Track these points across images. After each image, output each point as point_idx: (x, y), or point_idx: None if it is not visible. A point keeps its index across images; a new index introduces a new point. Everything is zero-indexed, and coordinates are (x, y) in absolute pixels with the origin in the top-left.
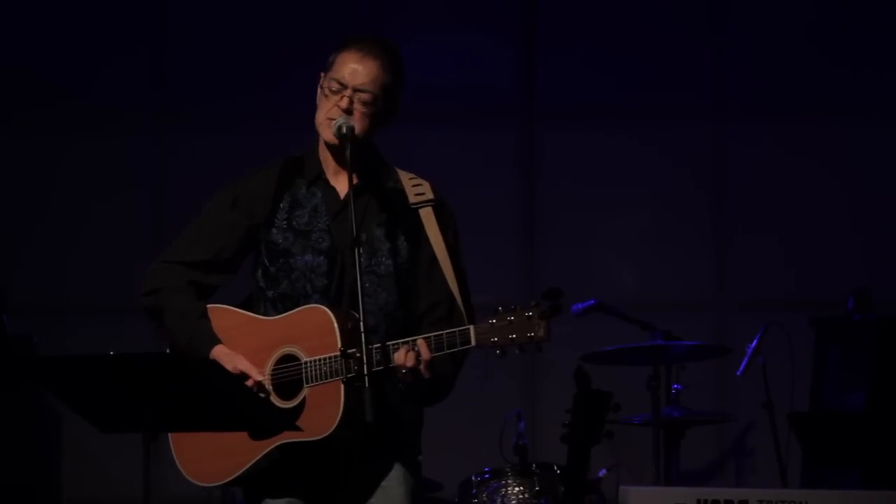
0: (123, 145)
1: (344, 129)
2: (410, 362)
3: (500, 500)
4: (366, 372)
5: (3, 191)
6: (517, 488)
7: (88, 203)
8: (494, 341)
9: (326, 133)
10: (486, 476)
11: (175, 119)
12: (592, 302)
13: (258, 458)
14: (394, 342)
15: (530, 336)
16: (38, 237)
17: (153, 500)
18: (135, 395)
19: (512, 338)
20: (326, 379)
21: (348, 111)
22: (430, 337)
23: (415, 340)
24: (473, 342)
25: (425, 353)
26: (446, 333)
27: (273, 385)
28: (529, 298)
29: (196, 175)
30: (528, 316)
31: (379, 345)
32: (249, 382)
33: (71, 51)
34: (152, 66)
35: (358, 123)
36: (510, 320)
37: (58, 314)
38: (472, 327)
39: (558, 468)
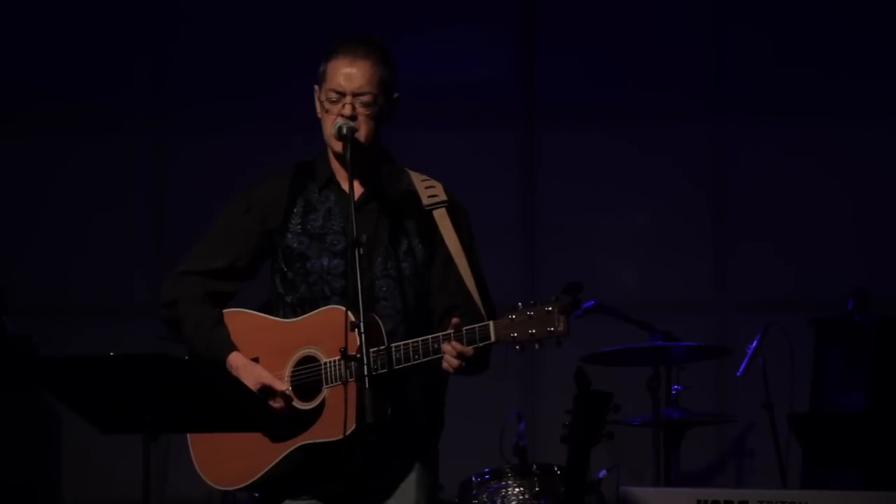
0: (123, 146)
1: (344, 130)
2: (456, 350)
3: (500, 500)
4: (366, 373)
5: (4, 191)
6: (517, 489)
7: (89, 204)
8: (514, 336)
9: (337, 145)
10: (486, 477)
11: (175, 119)
12: (592, 302)
13: (278, 459)
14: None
15: (550, 331)
16: (38, 237)
17: (153, 500)
18: (135, 396)
19: (532, 333)
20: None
21: (352, 118)
22: (449, 334)
23: (437, 337)
24: (493, 338)
25: (467, 351)
26: (466, 330)
27: (293, 387)
28: (529, 299)
29: (196, 176)
30: (548, 311)
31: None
32: (275, 401)
33: (71, 52)
34: (153, 67)
35: (363, 127)
36: (529, 315)
37: (58, 314)
38: (491, 323)
39: (558, 469)
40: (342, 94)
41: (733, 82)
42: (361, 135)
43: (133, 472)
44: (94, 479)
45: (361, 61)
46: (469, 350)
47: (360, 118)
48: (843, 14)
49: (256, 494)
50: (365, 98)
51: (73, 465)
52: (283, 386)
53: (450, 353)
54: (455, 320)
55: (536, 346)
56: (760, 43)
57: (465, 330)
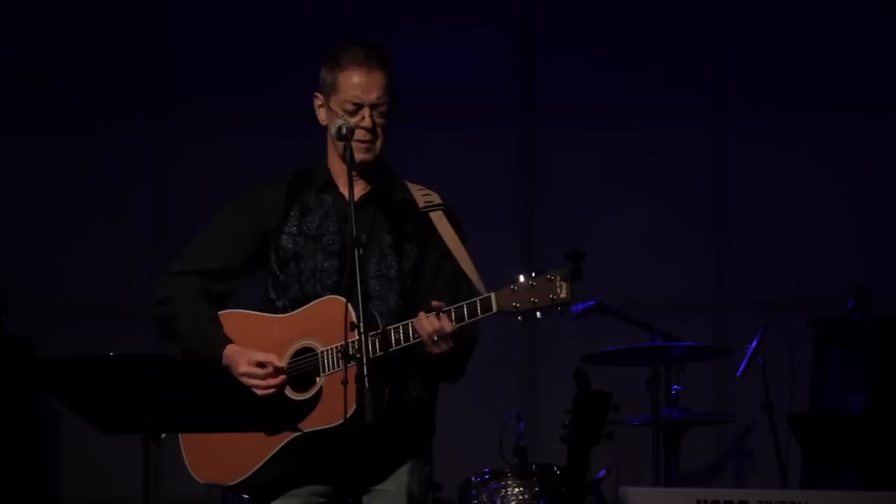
0: (123, 145)
1: (343, 131)
2: (435, 326)
3: (499, 500)
4: (365, 373)
5: (3, 191)
6: (517, 489)
7: (88, 203)
8: (516, 306)
9: (361, 154)
10: (486, 477)
11: (175, 119)
12: (592, 302)
13: (271, 454)
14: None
15: (552, 298)
16: (38, 237)
17: (153, 500)
18: (135, 396)
19: (534, 301)
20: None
21: (372, 131)
22: (450, 309)
23: (436, 313)
24: (495, 308)
25: (447, 326)
26: (467, 303)
27: (289, 378)
28: None
29: (196, 175)
30: (550, 279)
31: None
32: (269, 370)
33: (71, 51)
34: (153, 67)
35: (380, 139)
36: (532, 284)
37: (58, 314)
38: (493, 294)
39: (558, 469)
40: (360, 106)
41: (733, 82)
42: (378, 146)
43: (133, 472)
44: (93, 479)
45: (376, 71)
46: (448, 326)
47: (378, 130)
48: (843, 13)
49: (250, 494)
50: (382, 108)
51: (72, 465)
52: (278, 360)
53: (427, 330)
54: (436, 303)
55: (538, 314)
56: (760, 42)
57: (466, 303)
